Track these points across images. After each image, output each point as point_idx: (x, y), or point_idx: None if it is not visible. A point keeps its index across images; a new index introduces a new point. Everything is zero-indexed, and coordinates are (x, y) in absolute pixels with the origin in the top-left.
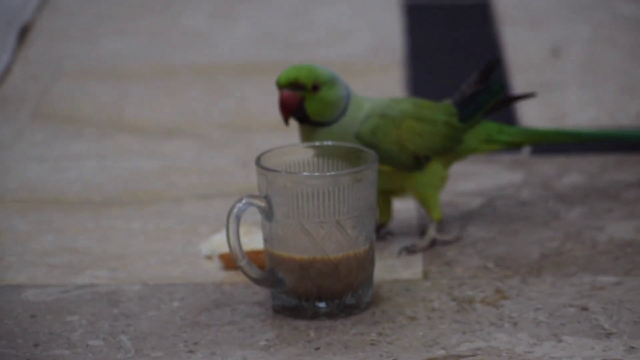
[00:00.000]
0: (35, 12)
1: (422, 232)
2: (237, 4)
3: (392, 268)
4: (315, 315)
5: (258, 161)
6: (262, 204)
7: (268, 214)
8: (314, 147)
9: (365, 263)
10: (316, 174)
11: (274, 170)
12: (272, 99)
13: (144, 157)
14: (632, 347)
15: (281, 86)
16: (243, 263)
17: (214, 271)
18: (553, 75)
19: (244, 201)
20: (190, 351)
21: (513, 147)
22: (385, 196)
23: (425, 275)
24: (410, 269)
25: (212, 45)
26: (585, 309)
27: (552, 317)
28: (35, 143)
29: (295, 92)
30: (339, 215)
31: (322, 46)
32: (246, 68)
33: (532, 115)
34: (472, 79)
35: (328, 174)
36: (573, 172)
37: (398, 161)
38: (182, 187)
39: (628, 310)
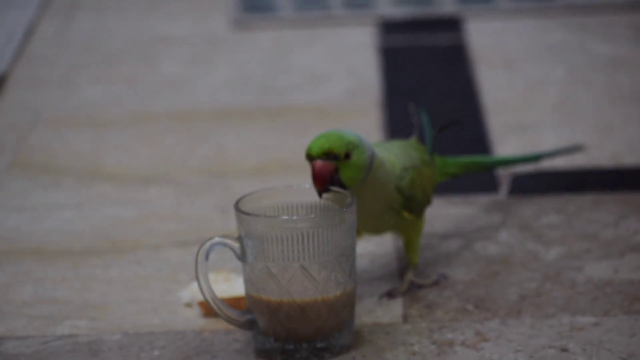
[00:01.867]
0: (11, 61)
1: (402, 274)
2: (214, 49)
3: (372, 311)
4: (288, 357)
5: (236, 203)
6: (235, 244)
7: (240, 255)
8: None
9: (337, 308)
10: (284, 217)
11: (244, 213)
12: (250, 144)
13: (122, 205)
14: None
15: (314, 157)
16: (211, 301)
17: (193, 318)
18: (528, 116)
19: (215, 239)
20: None
21: (454, 177)
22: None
23: (405, 318)
24: (390, 312)
25: (189, 91)
26: (565, 349)
27: (532, 358)
28: (13, 193)
29: (329, 162)
30: (303, 260)
31: (299, 90)
32: (224, 113)
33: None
34: (411, 110)
35: (292, 217)
36: (550, 212)
37: (421, 209)
38: (160, 235)
39: (607, 351)
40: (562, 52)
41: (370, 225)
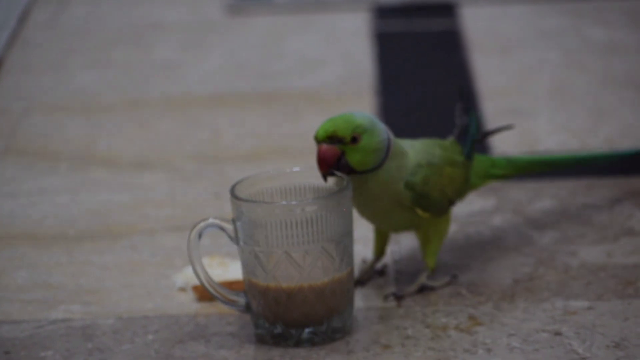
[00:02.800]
0: (6, 46)
1: (397, 274)
2: (209, 35)
3: (365, 296)
4: (279, 342)
5: (233, 186)
6: (229, 226)
7: (233, 237)
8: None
9: (326, 294)
10: (267, 202)
11: (234, 196)
12: (244, 129)
13: (117, 190)
14: None
15: (319, 141)
16: (204, 280)
17: (187, 303)
18: (523, 101)
19: (210, 221)
20: None
21: (504, 179)
22: (385, 236)
23: (399, 303)
24: (399, 287)
25: (183, 76)
26: (558, 334)
27: (526, 342)
28: (7, 178)
29: (333, 146)
30: (287, 246)
31: (293, 75)
32: (218, 99)
33: (503, 141)
34: (458, 111)
35: (275, 203)
36: (544, 197)
37: (439, 208)
38: (155, 220)
39: (601, 335)
40: (556, 37)
41: (381, 219)
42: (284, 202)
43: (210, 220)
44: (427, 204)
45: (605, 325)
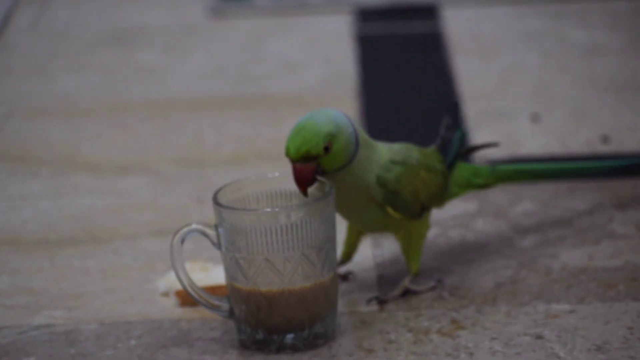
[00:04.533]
0: None
1: (379, 279)
2: (190, 38)
3: (349, 301)
4: (261, 347)
5: (216, 192)
6: (211, 232)
7: (216, 243)
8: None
9: (308, 300)
10: (248, 209)
11: (216, 203)
12: (226, 133)
13: (99, 194)
14: None
15: (293, 161)
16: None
17: (170, 308)
18: (504, 104)
19: (193, 226)
20: None
21: (486, 188)
22: (357, 236)
23: (382, 307)
24: (382, 291)
25: (165, 80)
26: (540, 337)
27: (508, 346)
28: None
29: (308, 164)
30: (267, 253)
31: (275, 78)
32: (200, 102)
33: None
34: (445, 123)
35: (255, 210)
36: (526, 200)
37: (410, 210)
38: (137, 224)
39: (582, 338)
40: (537, 39)
41: (354, 214)
42: (264, 209)
43: (193, 226)
44: (397, 203)
45: (587, 329)
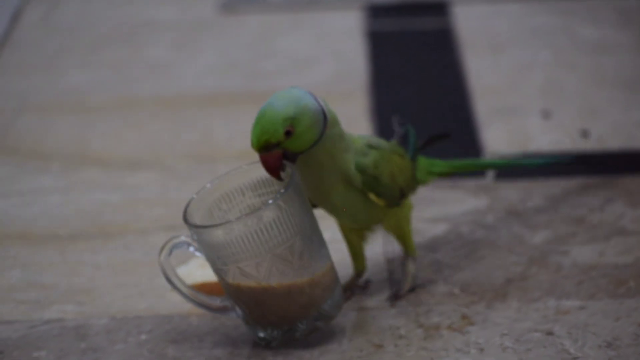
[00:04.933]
0: None
1: (390, 274)
2: (200, 34)
3: (358, 297)
4: (269, 343)
5: (185, 210)
6: (194, 243)
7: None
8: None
9: (293, 295)
10: (199, 226)
11: (186, 222)
12: (237, 128)
13: (109, 189)
14: None
15: (257, 151)
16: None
17: (180, 303)
18: (514, 100)
19: (181, 238)
20: None
21: (443, 176)
22: (359, 242)
23: (392, 303)
24: (377, 296)
25: (175, 76)
26: (550, 333)
27: (518, 342)
28: (0, 178)
29: (273, 152)
30: (238, 262)
31: (285, 74)
32: (210, 98)
33: (495, 140)
34: (397, 120)
35: (205, 226)
36: (537, 196)
37: (390, 195)
38: (147, 219)
39: (593, 335)
40: (547, 35)
41: (339, 211)
42: (223, 222)
43: (182, 238)
44: (378, 189)
45: (597, 325)
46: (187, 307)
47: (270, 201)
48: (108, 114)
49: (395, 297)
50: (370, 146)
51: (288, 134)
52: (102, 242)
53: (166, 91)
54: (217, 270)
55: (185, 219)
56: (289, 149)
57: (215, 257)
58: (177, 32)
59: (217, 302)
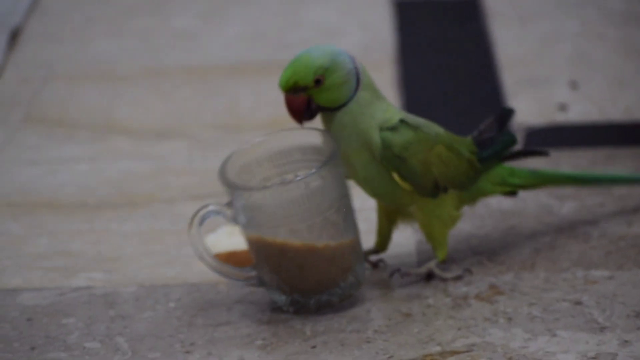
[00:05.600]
0: (25, 15)
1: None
2: (228, 4)
3: (387, 266)
4: (298, 310)
5: (222, 169)
6: (227, 211)
7: (233, 220)
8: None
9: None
10: (248, 188)
11: (224, 183)
12: (263, 98)
13: (137, 158)
14: (626, 341)
15: (284, 92)
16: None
17: (208, 271)
18: (542, 71)
19: (210, 208)
20: (187, 352)
21: (523, 189)
22: (388, 224)
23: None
24: (405, 266)
25: (203, 45)
26: (578, 303)
27: (546, 312)
28: (28, 147)
29: (298, 95)
30: (289, 224)
31: (312, 44)
32: (237, 68)
33: (522, 111)
34: (489, 121)
35: (256, 188)
36: (564, 166)
37: (418, 182)
38: (175, 188)
39: (621, 304)
40: (575, 6)
41: (363, 180)
42: (279, 184)
43: (210, 208)
44: (403, 170)
45: (626, 295)
46: (215, 275)
47: (321, 164)
48: (135, 83)
49: (401, 274)
50: (406, 123)
51: (318, 82)
52: (129, 211)
53: (193, 60)
54: (259, 236)
55: (229, 181)
56: (315, 100)
57: (264, 220)
58: (205, 1)
59: (247, 273)
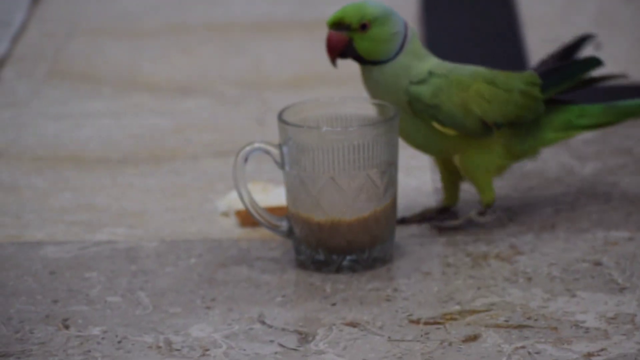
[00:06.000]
0: None
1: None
2: None
3: (408, 225)
4: (320, 267)
5: (281, 111)
6: (275, 150)
7: (279, 162)
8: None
9: (370, 224)
10: (315, 127)
11: (282, 121)
12: (286, 56)
13: (160, 114)
14: None
15: (329, 27)
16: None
17: (230, 228)
18: (566, 31)
19: (256, 145)
20: (208, 307)
21: (595, 129)
22: (449, 176)
23: (440, 231)
24: (426, 224)
25: (226, 2)
26: (598, 264)
27: (566, 272)
28: (52, 101)
29: (341, 33)
30: (332, 171)
31: (336, 4)
32: (261, 25)
33: None
34: (556, 52)
35: (322, 128)
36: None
37: (462, 125)
38: (197, 145)
39: None
40: None
41: (407, 135)
42: (332, 128)
43: (257, 145)
44: (441, 117)
45: None
46: (237, 232)
47: (381, 121)
48: (158, 39)
49: (439, 229)
50: (433, 74)
51: (363, 27)
52: (152, 166)
53: (216, 17)
54: (299, 182)
55: (284, 119)
56: (356, 45)
57: (309, 162)
58: None
59: (276, 220)
